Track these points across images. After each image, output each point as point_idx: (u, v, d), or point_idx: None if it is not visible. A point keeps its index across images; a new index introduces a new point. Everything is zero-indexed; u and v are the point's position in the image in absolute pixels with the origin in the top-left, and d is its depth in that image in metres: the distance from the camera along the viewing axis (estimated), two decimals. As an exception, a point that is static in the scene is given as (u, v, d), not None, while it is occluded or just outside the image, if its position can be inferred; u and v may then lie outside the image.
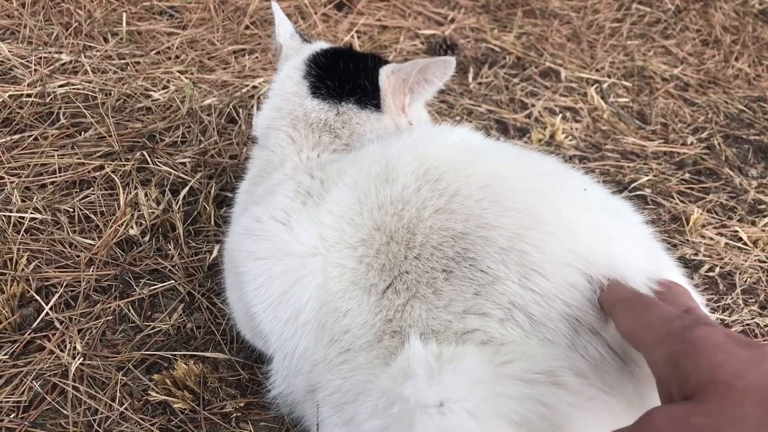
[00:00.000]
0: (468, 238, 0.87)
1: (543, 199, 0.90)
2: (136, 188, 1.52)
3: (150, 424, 1.09)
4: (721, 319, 1.41)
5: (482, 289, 0.84)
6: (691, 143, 2.05)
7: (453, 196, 0.91)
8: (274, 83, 1.31)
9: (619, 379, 0.78)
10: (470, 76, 2.24)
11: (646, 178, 1.82)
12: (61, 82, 1.87)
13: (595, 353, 0.79)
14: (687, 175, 1.89)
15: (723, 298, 1.47)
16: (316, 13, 2.36)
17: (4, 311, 1.22)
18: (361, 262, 0.94)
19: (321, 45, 1.32)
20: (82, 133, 1.71)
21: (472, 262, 0.86)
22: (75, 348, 1.19)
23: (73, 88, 1.86)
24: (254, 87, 1.96)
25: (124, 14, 2.18)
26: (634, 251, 0.88)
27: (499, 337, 0.82)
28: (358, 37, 2.34)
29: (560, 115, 2.06)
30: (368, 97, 1.21)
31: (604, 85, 2.28)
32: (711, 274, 1.54)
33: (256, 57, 2.13)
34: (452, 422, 0.71)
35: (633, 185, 1.79)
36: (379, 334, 0.89)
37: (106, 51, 2.03)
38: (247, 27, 2.27)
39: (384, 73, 1.21)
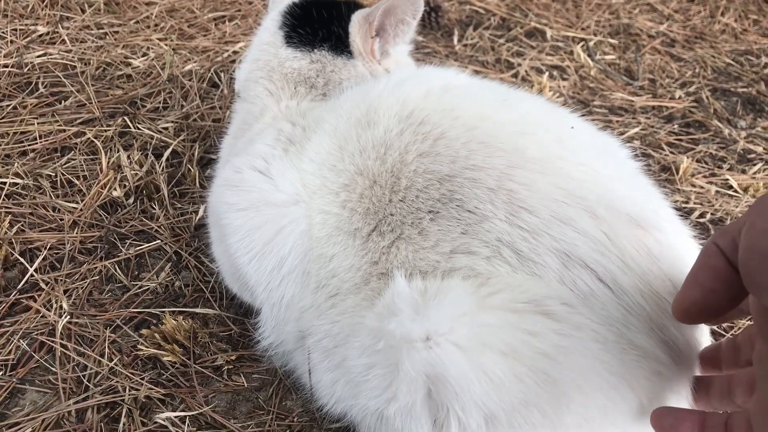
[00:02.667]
0: (455, 180, 0.86)
1: (531, 139, 0.88)
2: (118, 152, 1.50)
3: (140, 379, 1.07)
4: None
5: (469, 228, 0.83)
6: (679, 97, 2.03)
7: (438, 139, 0.90)
8: (256, 33, 1.29)
9: (608, 309, 0.77)
10: (455, 38, 2.22)
11: (635, 131, 1.81)
12: (39, 53, 1.84)
13: (584, 287, 0.78)
14: (676, 128, 1.88)
15: (716, 243, 1.46)
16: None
17: (-13, 274, 1.20)
18: (345, 207, 0.93)
19: None
20: (62, 101, 1.69)
21: (459, 203, 0.85)
22: (62, 307, 1.17)
23: (51, 58, 1.83)
24: (235, 52, 1.93)
25: (101, -15, 2.14)
26: (623, 185, 0.87)
27: (486, 273, 0.81)
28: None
29: (547, 74, 2.04)
30: (343, 43, 1.19)
31: (590, 43, 2.26)
32: (702, 220, 1.53)
33: (237, 23, 2.10)
34: (439, 355, 0.71)
35: (621, 138, 1.78)
36: (366, 276, 0.88)
37: (83, 21, 2.00)
38: (227, -6, 2.24)
39: (355, 18, 1.19)
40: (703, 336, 0.84)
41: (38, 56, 1.83)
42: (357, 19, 1.19)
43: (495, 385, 0.71)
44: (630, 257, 0.79)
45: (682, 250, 0.86)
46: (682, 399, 0.79)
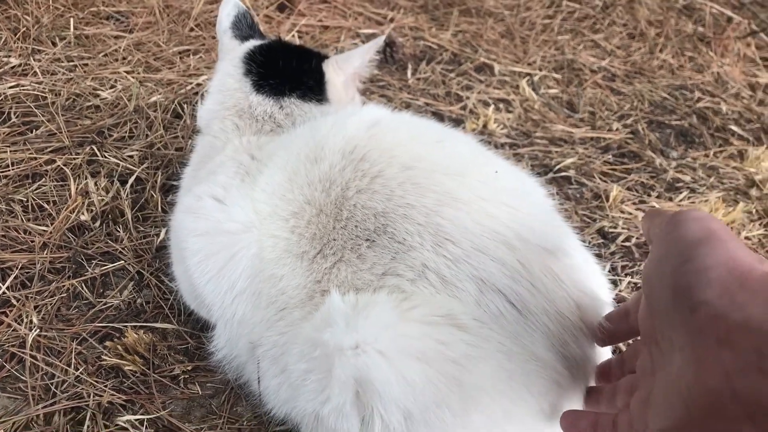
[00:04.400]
0: (389, 215, 0.97)
1: (460, 182, 0.99)
2: (86, 179, 1.60)
3: (103, 386, 1.17)
4: (634, 283, 1.54)
5: (398, 256, 0.94)
6: (617, 129, 2.17)
7: (375, 177, 1.00)
8: (214, 78, 1.39)
9: (515, 327, 0.88)
10: (409, 72, 2.35)
11: (571, 160, 1.94)
12: (11, 84, 1.94)
13: (495, 309, 0.89)
14: (611, 158, 2.01)
15: (637, 265, 1.60)
16: (258, 15, 2.46)
17: (-38, 292, 1.29)
18: (293, 232, 1.03)
19: (253, 42, 1.41)
20: (33, 130, 1.79)
21: (391, 235, 0.95)
22: (32, 321, 1.27)
23: (23, 89, 1.93)
24: (198, 84, 2.04)
25: (72, 19, 2.25)
26: (538, 221, 0.99)
27: (410, 292, 0.92)
28: (300, 37, 2.43)
29: (493, 106, 2.17)
30: (312, 91, 1.31)
31: (536, 78, 2.40)
32: (627, 244, 1.66)
33: (201, 57, 2.21)
34: (365, 362, 0.82)
35: (558, 167, 1.91)
36: (311, 293, 0.99)
37: (54, 54, 2.11)
38: (191, 29, 2.35)
39: (330, 68, 1.34)
40: (602, 352, 0.97)
41: (11, 87, 1.93)
42: (333, 69, 1.34)
43: (411, 387, 0.82)
44: (539, 281, 0.91)
45: (586, 274, 1.00)
46: (576, 405, 0.91)
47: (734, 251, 0.58)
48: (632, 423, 0.71)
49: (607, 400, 0.87)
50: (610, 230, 1.70)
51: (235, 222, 1.07)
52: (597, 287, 1.02)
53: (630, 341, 0.98)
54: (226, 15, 1.43)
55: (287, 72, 1.31)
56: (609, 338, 0.91)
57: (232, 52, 1.38)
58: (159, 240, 1.48)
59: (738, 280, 0.55)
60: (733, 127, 2.27)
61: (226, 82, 1.35)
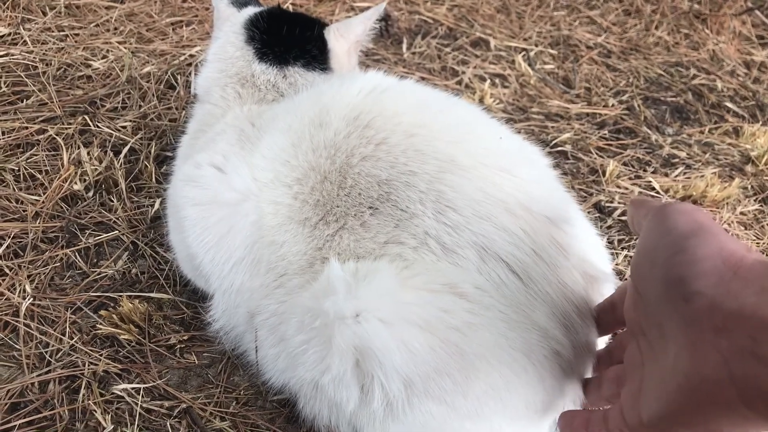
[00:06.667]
0: (392, 183, 0.96)
1: (461, 147, 0.98)
2: (78, 148, 1.58)
3: (99, 355, 1.16)
4: (630, 257, 1.53)
5: (401, 223, 0.93)
6: (612, 105, 2.17)
7: (379, 144, 0.99)
8: (213, 46, 1.36)
9: (517, 295, 0.88)
10: (404, 46, 2.33)
11: (567, 136, 1.93)
12: (1, 53, 1.90)
13: (497, 277, 0.88)
14: (607, 133, 2.01)
15: (633, 239, 1.59)
16: (252, -13, 2.42)
17: (-47, 261, 1.27)
18: (296, 199, 1.01)
19: (253, 9, 1.38)
20: (24, 100, 1.76)
21: (394, 202, 0.94)
22: (25, 290, 1.26)
23: (13, 59, 1.89)
24: (191, 56, 2.02)
25: (62, -12, 2.22)
26: (540, 188, 0.98)
27: (412, 260, 0.91)
28: (295, 10, 2.40)
29: (489, 81, 2.16)
30: (315, 60, 1.30)
31: (531, 53, 2.39)
32: (623, 218, 1.66)
33: (194, 28, 2.19)
34: (366, 329, 0.82)
35: (554, 142, 1.90)
36: (311, 260, 0.98)
37: (45, 23, 2.07)
38: (184, 0, 2.33)
39: (332, 36, 1.31)
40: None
41: (0, 56, 1.89)
42: (335, 37, 1.32)
43: (412, 355, 0.82)
44: (542, 250, 0.91)
45: (587, 244, 0.99)
46: (576, 376, 0.91)
47: (725, 242, 0.59)
48: (624, 414, 0.71)
49: (595, 390, 0.88)
50: (607, 204, 1.70)
51: (235, 191, 1.06)
52: (599, 258, 1.01)
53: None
54: None
55: (291, 40, 1.29)
56: (598, 329, 0.93)
57: (231, 18, 1.35)
58: (154, 210, 1.46)
59: (731, 269, 0.57)
60: (729, 104, 2.27)
61: (227, 49, 1.32)
